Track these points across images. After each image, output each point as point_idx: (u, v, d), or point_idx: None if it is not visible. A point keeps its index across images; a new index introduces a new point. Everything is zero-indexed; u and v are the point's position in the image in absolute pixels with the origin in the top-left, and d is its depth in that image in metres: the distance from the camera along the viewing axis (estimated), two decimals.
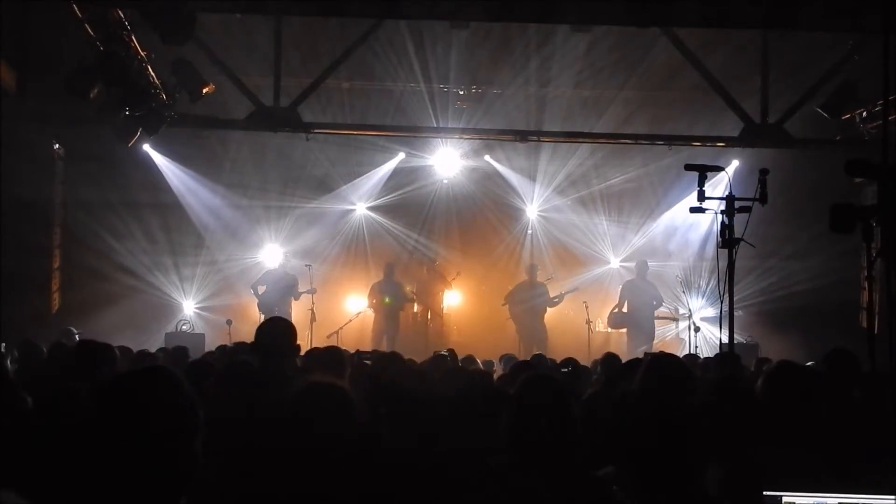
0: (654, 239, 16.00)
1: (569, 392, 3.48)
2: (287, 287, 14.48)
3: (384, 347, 13.41)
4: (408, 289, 15.27)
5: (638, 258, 15.14)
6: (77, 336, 10.38)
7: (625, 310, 14.51)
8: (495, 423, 3.53)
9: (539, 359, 8.61)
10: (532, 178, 16.10)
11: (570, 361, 7.46)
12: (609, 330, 14.91)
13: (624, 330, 14.58)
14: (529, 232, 16.51)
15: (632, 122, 14.07)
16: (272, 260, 15.39)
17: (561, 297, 14.85)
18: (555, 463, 3.17)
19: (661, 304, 14.57)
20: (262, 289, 14.47)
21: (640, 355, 8.84)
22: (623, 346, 13.86)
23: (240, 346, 8.17)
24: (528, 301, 14.70)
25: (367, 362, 6.45)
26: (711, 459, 2.90)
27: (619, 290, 14.83)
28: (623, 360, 8.09)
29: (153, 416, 2.17)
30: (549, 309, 14.86)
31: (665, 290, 15.21)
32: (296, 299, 14.52)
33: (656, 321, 14.57)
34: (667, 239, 15.96)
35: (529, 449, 3.25)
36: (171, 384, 2.25)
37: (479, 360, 8.88)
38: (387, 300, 14.69)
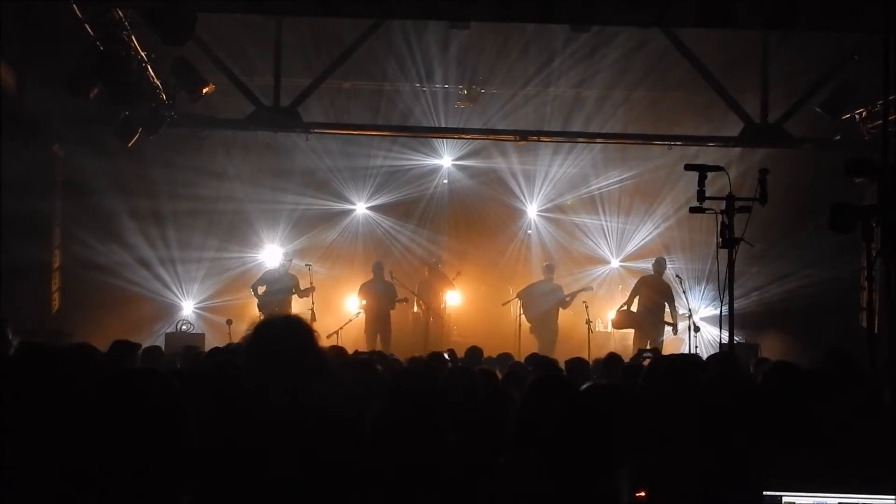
0: (654, 239, 15.98)
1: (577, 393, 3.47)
2: (287, 287, 14.48)
3: (378, 347, 13.41)
4: (400, 288, 15.13)
5: (657, 256, 14.81)
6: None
7: (633, 308, 14.29)
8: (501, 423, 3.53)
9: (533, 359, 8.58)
10: (532, 177, 16.09)
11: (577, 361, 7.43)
12: (609, 330, 14.85)
13: (626, 330, 14.46)
14: (529, 231, 16.51)
15: (631, 122, 14.08)
16: (272, 260, 15.38)
17: (573, 297, 14.79)
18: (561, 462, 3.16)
19: (672, 308, 14.32)
20: (261, 289, 14.47)
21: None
22: (625, 346, 13.82)
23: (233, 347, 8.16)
24: (544, 298, 14.66)
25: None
26: (631, 455, 2.83)
27: (633, 285, 14.44)
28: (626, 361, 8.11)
29: (135, 417, 2.17)
30: (560, 310, 14.83)
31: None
32: (300, 297, 14.50)
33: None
34: (671, 238, 15.90)
35: (537, 447, 3.25)
36: (150, 386, 2.26)
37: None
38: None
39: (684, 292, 14.37)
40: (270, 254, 15.62)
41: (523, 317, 14.69)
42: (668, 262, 14.55)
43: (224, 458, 3.01)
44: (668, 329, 14.28)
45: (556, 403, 2.98)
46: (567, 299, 14.76)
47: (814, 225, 12.67)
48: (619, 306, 14.42)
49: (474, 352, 8.96)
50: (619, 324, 14.35)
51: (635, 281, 14.48)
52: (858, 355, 5.21)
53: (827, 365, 5.29)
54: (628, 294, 14.35)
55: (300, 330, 3.26)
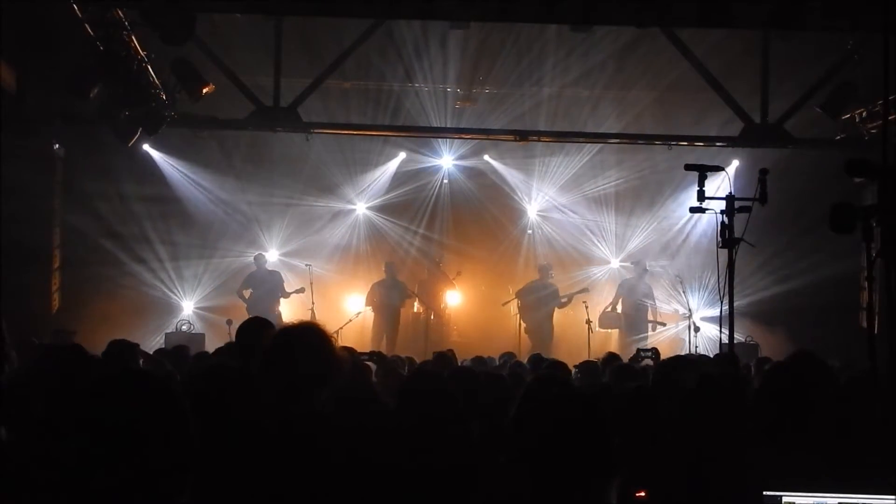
0: (654, 239, 15.98)
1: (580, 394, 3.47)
2: (273, 286, 14.51)
3: (383, 348, 13.41)
4: (410, 289, 15.23)
5: (637, 258, 15.21)
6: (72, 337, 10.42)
7: (618, 309, 14.65)
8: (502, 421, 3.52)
9: (537, 359, 8.58)
10: (532, 177, 16.09)
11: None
12: (608, 330, 14.94)
13: (616, 330, 14.70)
14: (529, 231, 16.50)
15: (631, 122, 14.07)
16: (271, 261, 15.35)
17: (570, 298, 14.85)
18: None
19: (654, 306, 14.71)
20: (247, 293, 14.49)
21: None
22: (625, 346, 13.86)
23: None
24: (539, 300, 14.73)
25: (370, 364, 6.43)
26: (626, 461, 2.79)
27: (616, 288, 14.94)
28: None
29: (131, 417, 2.18)
30: (556, 310, 14.91)
31: (664, 289, 15.27)
32: (284, 298, 14.54)
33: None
34: (670, 238, 15.94)
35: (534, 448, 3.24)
36: (146, 386, 2.26)
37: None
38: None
39: (684, 292, 14.46)
40: (271, 255, 15.62)
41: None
42: (647, 263, 15.02)
43: (232, 464, 3.03)
44: (659, 327, 14.56)
45: (551, 405, 2.97)
46: (564, 301, 14.85)
47: (813, 225, 12.69)
48: (604, 308, 14.81)
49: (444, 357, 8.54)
50: (604, 324, 14.70)
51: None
52: (859, 355, 5.20)
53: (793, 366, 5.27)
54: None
55: (317, 338, 3.37)
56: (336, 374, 3.42)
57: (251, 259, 15.41)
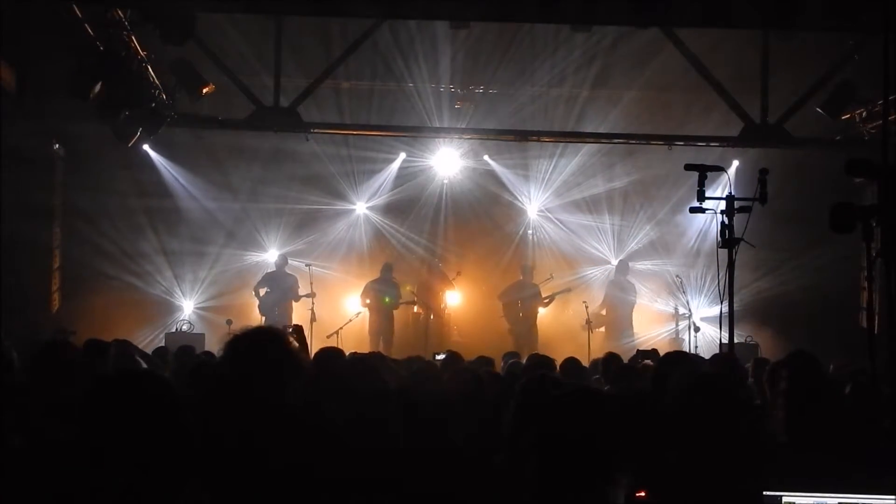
0: (654, 239, 15.97)
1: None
2: (287, 288, 14.51)
3: (381, 348, 13.40)
4: (408, 288, 15.23)
5: (619, 259, 15.29)
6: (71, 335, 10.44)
7: (603, 312, 14.83)
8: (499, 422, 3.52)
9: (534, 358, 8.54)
10: (532, 177, 16.08)
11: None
12: (602, 329, 14.99)
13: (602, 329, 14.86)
14: (530, 231, 16.49)
15: (632, 122, 14.07)
16: (271, 261, 15.36)
17: (552, 298, 14.91)
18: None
19: (633, 302, 14.90)
20: (262, 291, 14.50)
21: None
22: (626, 347, 13.86)
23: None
24: (519, 300, 14.76)
25: None
26: (627, 466, 2.76)
27: (605, 291, 15.12)
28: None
29: (135, 418, 2.18)
30: (541, 309, 14.93)
31: (664, 288, 15.29)
32: (295, 301, 14.55)
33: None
34: (670, 238, 15.94)
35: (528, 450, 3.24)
36: (146, 387, 2.26)
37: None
38: (386, 300, 14.72)
39: (683, 292, 14.46)
40: (271, 255, 15.62)
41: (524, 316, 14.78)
42: (630, 264, 15.31)
43: (231, 464, 3.03)
44: (669, 328, 14.57)
45: (546, 405, 2.95)
46: (546, 300, 14.91)
47: (813, 224, 12.68)
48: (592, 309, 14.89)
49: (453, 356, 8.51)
50: (595, 326, 14.74)
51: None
52: (858, 355, 5.20)
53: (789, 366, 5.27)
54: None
55: (273, 337, 3.36)
56: (301, 374, 3.40)
57: (251, 260, 15.44)
